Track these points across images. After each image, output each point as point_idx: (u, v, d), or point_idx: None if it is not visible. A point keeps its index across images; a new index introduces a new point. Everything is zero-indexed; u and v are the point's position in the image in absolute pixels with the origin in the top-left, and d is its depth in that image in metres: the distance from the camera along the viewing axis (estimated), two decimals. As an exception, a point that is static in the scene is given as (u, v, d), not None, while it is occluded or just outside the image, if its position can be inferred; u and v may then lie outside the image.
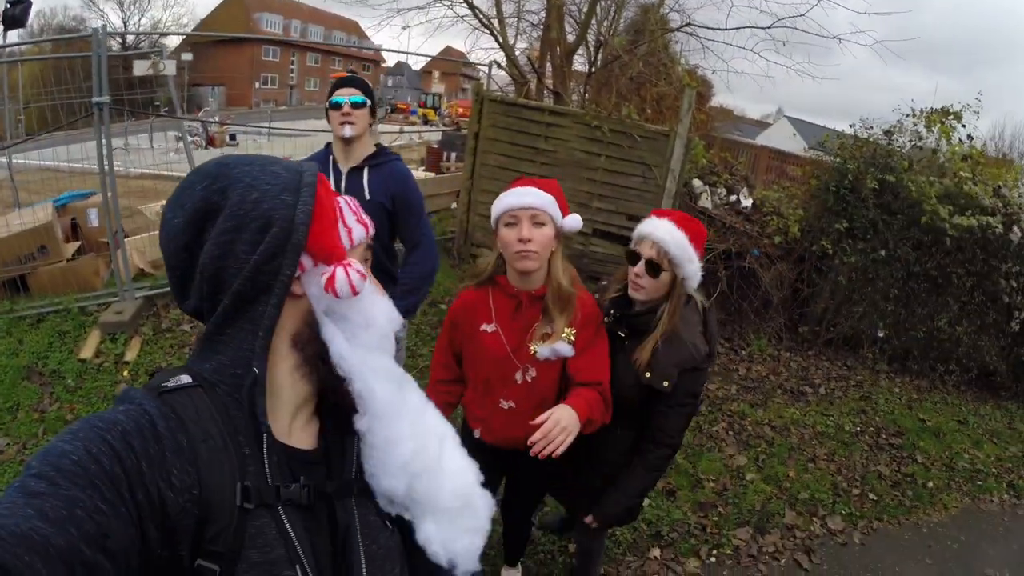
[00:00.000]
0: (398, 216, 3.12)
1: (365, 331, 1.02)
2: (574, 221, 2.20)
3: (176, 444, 0.82)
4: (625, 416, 2.40)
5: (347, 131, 3.01)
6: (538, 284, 2.25)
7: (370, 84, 3.24)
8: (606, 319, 2.40)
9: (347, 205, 1.07)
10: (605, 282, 2.68)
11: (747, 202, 7.07)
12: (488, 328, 2.30)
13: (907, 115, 6.98)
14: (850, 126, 7.27)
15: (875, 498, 4.67)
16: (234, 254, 0.91)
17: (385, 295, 1.09)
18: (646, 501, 4.04)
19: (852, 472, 4.92)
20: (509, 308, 2.29)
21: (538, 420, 1.98)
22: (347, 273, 0.96)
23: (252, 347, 0.92)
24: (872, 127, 7.08)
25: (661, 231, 2.27)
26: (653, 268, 2.28)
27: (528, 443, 1.95)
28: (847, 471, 4.92)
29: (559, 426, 1.97)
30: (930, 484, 4.98)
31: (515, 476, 2.75)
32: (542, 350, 2.23)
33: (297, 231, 0.92)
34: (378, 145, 3.22)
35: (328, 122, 3.11)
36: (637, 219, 2.51)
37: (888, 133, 6.98)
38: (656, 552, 3.77)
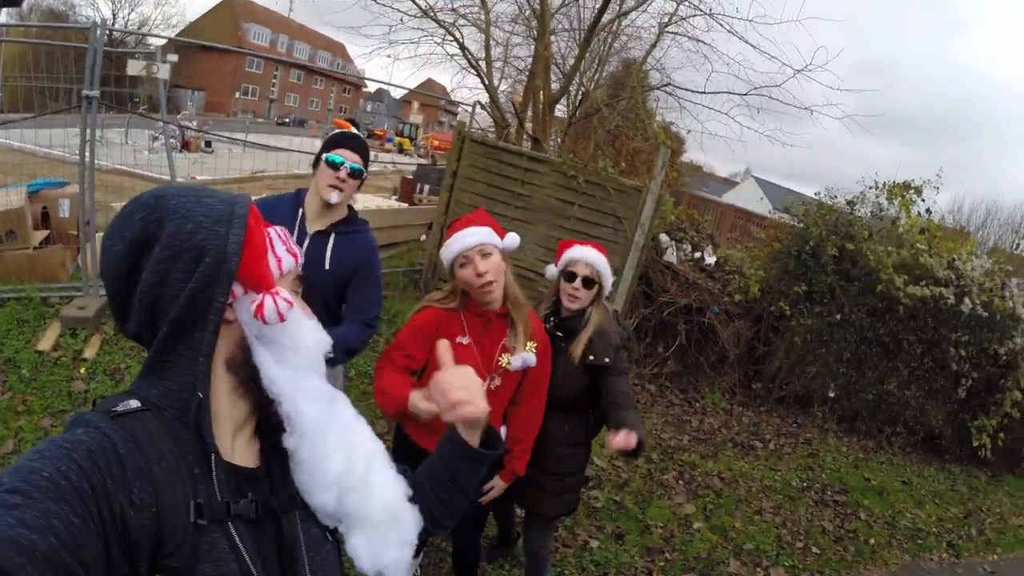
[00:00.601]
0: (355, 286, 2.90)
1: (294, 353, 1.08)
2: (512, 240, 2.51)
3: (136, 465, 0.87)
4: (568, 408, 2.94)
5: (334, 197, 2.74)
6: (500, 302, 2.53)
7: (369, 149, 2.98)
8: (546, 326, 2.85)
9: (277, 235, 1.14)
10: (539, 301, 3.13)
11: (711, 260, 7.30)
12: (463, 340, 2.50)
13: (870, 187, 7.30)
14: (815, 193, 7.57)
15: (818, 552, 4.82)
16: (170, 282, 0.96)
17: (313, 319, 1.15)
18: (595, 543, 4.17)
19: (797, 526, 5.07)
20: (479, 324, 2.53)
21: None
22: (275, 301, 1.02)
23: (194, 372, 0.98)
24: (836, 196, 7.38)
25: (591, 255, 2.88)
26: (589, 283, 2.85)
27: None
28: (792, 524, 5.07)
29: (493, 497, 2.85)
30: (872, 540, 5.16)
31: None
32: (514, 361, 2.54)
33: (229, 260, 0.98)
34: (350, 208, 2.98)
35: (313, 172, 2.83)
36: (605, 268, 3.02)
37: (851, 203, 7.27)
38: (603, 593, 3.88)
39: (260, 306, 1.01)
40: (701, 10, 7.85)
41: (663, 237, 7.28)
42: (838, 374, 6.93)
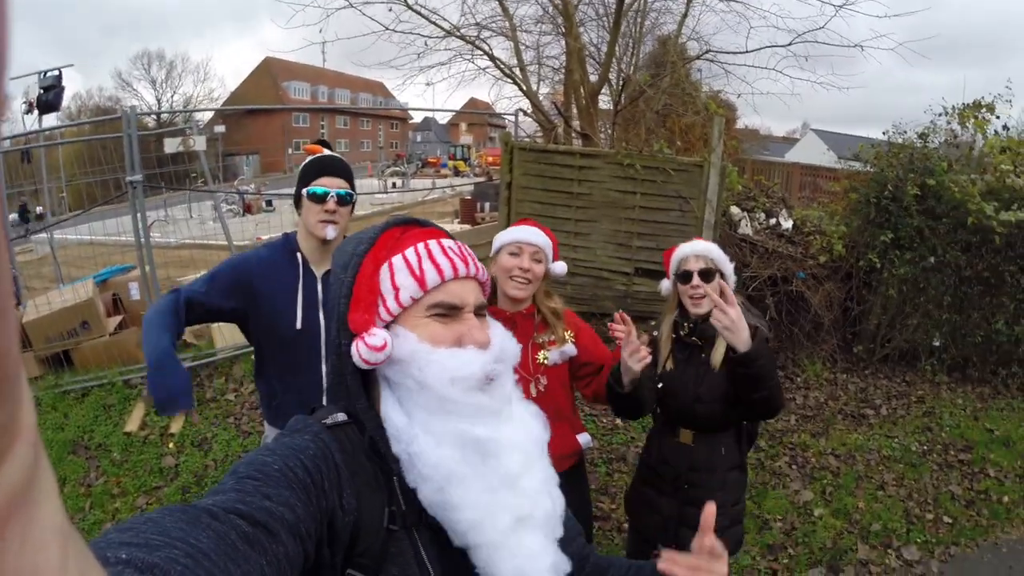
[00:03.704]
0: None
1: (420, 394, 1.04)
2: (560, 267, 2.60)
3: (347, 473, 0.98)
4: (720, 426, 2.63)
5: (330, 232, 2.45)
6: (525, 307, 2.57)
7: (351, 169, 2.64)
8: (681, 333, 2.64)
9: (403, 260, 1.09)
10: (655, 332, 2.81)
11: (787, 224, 7.05)
12: None
13: (939, 114, 6.92)
14: (883, 133, 7.22)
15: (950, 521, 4.61)
16: (332, 337, 1.11)
17: (463, 351, 1.07)
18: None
19: (924, 495, 4.86)
20: (508, 329, 2.46)
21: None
22: (358, 347, 1.04)
23: (354, 405, 1.09)
24: (905, 131, 7.01)
25: (698, 246, 2.62)
26: (708, 275, 2.55)
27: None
28: (918, 495, 4.86)
29: None
30: (1006, 499, 4.89)
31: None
32: (552, 355, 2.54)
33: (340, 305, 1.08)
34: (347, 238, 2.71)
35: (297, 211, 2.56)
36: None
37: (923, 136, 6.89)
38: (730, 605, 3.80)
39: (351, 351, 1.06)
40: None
41: (734, 210, 7.06)
42: (941, 321, 6.56)
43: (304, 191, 2.45)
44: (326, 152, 2.59)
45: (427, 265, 1.08)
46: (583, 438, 2.72)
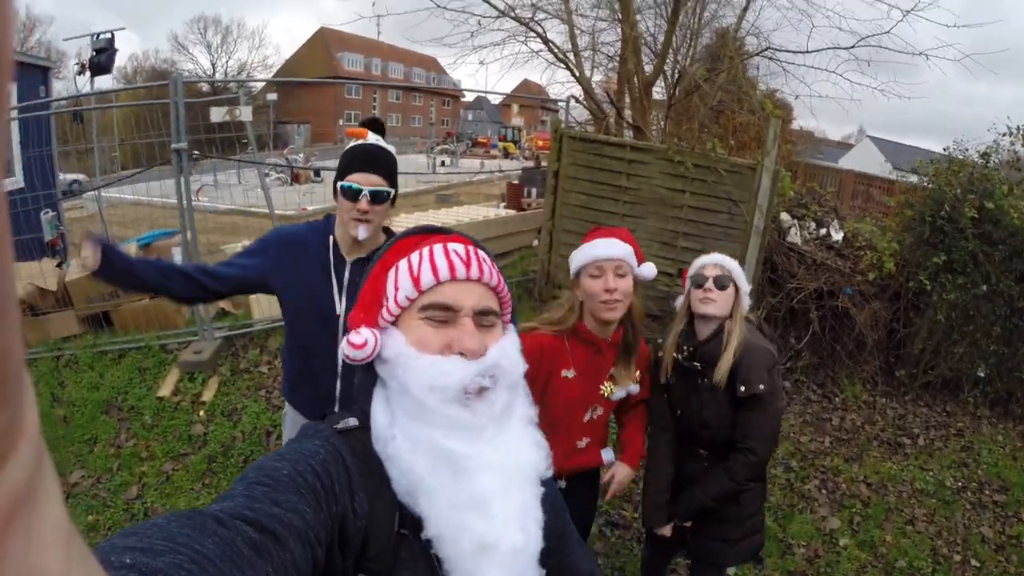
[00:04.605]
0: None
1: (402, 396, 1.05)
2: (649, 270, 2.39)
3: (359, 478, 0.98)
4: (729, 447, 2.60)
5: (362, 232, 2.30)
6: (614, 330, 2.42)
7: (394, 156, 2.45)
8: (680, 356, 2.62)
9: (407, 264, 1.11)
10: (659, 339, 2.85)
11: (838, 236, 6.85)
12: (568, 374, 2.41)
13: (1003, 134, 6.66)
14: (943, 149, 6.97)
15: (977, 565, 4.49)
16: None
17: (444, 359, 1.04)
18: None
19: (953, 535, 4.74)
20: (587, 354, 2.42)
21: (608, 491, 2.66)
22: (343, 343, 1.09)
23: (360, 399, 1.12)
24: (967, 149, 6.75)
25: (718, 256, 2.64)
26: (722, 282, 2.55)
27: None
28: (948, 533, 4.74)
29: (621, 487, 2.65)
30: (1037, 546, 4.76)
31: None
32: (618, 392, 2.48)
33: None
34: (387, 230, 2.49)
35: (335, 199, 2.38)
36: (725, 259, 2.85)
37: (984, 155, 6.62)
38: (747, 633, 3.77)
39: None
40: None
41: (784, 216, 6.89)
42: (988, 352, 6.34)
43: (339, 184, 2.31)
44: (370, 139, 2.39)
45: (425, 267, 1.08)
46: (607, 454, 2.67)
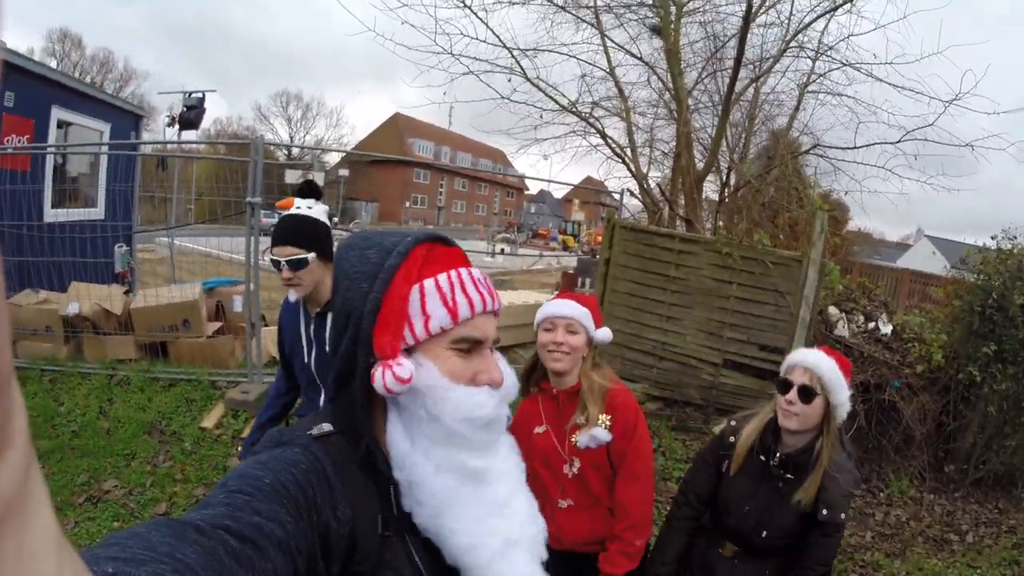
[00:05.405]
0: None
1: (428, 425, 1.05)
2: (604, 334, 2.57)
3: (340, 485, 0.99)
4: (771, 552, 2.48)
5: (291, 296, 2.71)
6: (572, 383, 2.55)
7: (319, 220, 2.69)
8: (769, 459, 2.44)
9: (435, 286, 1.08)
10: (734, 422, 2.67)
11: (886, 328, 6.89)
12: (539, 430, 2.62)
13: (1051, 219, 6.64)
14: (992, 238, 6.97)
15: (1025, 671, 4.38)
16: (335, 341, 1.12)
17: (477, 391, 1.08)
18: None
19: (1001, 635, 4.63)
20: (553, 408, 2.62)
21: None
22: (384, 375, 1.02)
23: (355, 417, 1.08)
24: (1015, 236, 6.74)
25: (812, 357, 2.36)
26: (807, 394, 2.29)
27: None
28: (995, 634, 4.63)
29: None
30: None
31: None
32: (582, 438, 2.49)
33: (364, 321, 1.05)
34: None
35: None
36: (770, 349, 2.74)
37: (1032, 242, 6.61)
38: None
39: (373, 375, 1.04)
40: (838, 60, 7.65)
41: (832, 310, 6.98)
42: (1044, 446, 6.22)
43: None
44: (297, 207, 2.66)
45: (460, 297, 1.08)
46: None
